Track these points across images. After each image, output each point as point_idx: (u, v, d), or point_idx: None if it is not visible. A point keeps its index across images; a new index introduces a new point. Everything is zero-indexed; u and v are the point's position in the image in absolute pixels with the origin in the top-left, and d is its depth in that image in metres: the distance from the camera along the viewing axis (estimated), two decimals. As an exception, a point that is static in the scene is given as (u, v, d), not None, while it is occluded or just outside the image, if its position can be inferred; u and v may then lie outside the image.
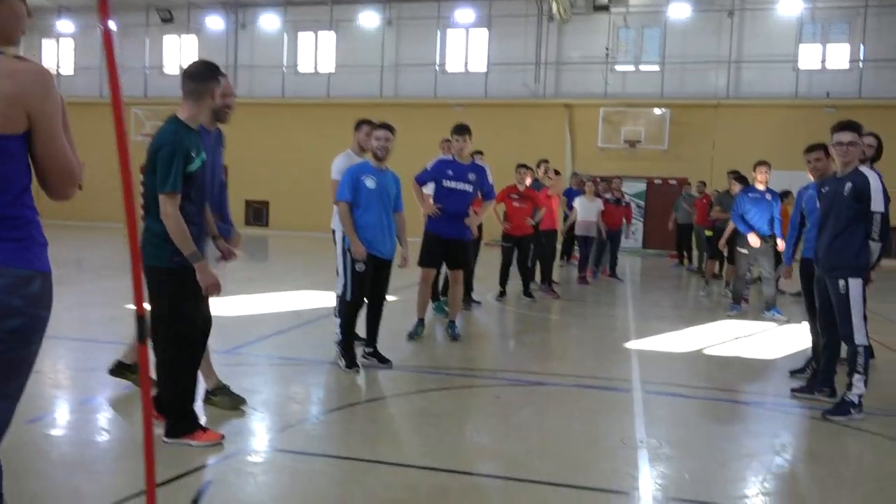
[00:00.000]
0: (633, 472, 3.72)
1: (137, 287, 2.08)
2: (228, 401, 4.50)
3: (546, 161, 11.12)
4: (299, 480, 3.49)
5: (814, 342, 5.86)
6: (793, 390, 5.41)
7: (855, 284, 4.75)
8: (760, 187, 8.87)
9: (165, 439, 3.76)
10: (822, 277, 5.05)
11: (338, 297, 5.89)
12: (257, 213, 24.39)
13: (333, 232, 6.23)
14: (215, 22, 24.00)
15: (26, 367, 2.14)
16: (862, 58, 19.75)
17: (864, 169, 4.81)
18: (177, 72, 24.65)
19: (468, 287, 8.36)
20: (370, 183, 5.53)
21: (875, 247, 4.71)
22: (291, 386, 5.33)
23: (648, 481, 3.59)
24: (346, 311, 5.65)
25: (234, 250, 4.38)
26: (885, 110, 18.18)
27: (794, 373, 5.96)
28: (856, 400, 4.77)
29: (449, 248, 6.84)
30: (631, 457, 3.95)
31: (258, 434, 4.17)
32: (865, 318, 4.77)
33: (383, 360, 5.79)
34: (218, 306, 4.09)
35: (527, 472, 3.68)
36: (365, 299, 5.73)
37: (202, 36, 24.38)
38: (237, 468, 3.59)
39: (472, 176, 6.86)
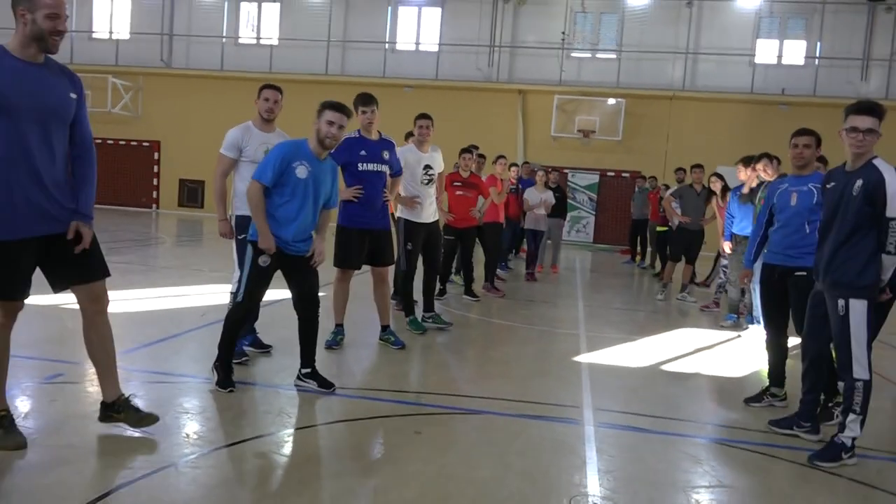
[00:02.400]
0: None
1: None
2: (135, 416, 3.70)
3: (473, 147, 9.94)
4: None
5: (772, 362, 5.08)
6: (770, 423, 4.60)
7: (858, 306, 3.86)
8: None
9: None
10: (820, 292, 4.19)
11: (232, 294, 4.84)
12: (192, 193, 22.84)
13: (233, 217, 5.25)
14: (149, -14, 22.30)
15: None
16: (818, 55, 19.38)
17: (880, 163, 3.87)
18: (107, 37, 22.96)
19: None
20: (301, 172, 4.45)
21: (889, 261, 3.80)
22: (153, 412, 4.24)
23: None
24: (234, 314, 4.57)
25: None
26: (838, 109, 17.60)
27: (749, 401, 5.11)
28: (848, 443, 3.97)
29: (373, 241, 5.81)
30: (581, 528, 3.05)
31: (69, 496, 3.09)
32: (870, 347, 3.91)
33: (325, 384, 4.67)
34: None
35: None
36: (299, 312, 4.67)
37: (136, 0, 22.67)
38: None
39: (386, 154, 5.86)
